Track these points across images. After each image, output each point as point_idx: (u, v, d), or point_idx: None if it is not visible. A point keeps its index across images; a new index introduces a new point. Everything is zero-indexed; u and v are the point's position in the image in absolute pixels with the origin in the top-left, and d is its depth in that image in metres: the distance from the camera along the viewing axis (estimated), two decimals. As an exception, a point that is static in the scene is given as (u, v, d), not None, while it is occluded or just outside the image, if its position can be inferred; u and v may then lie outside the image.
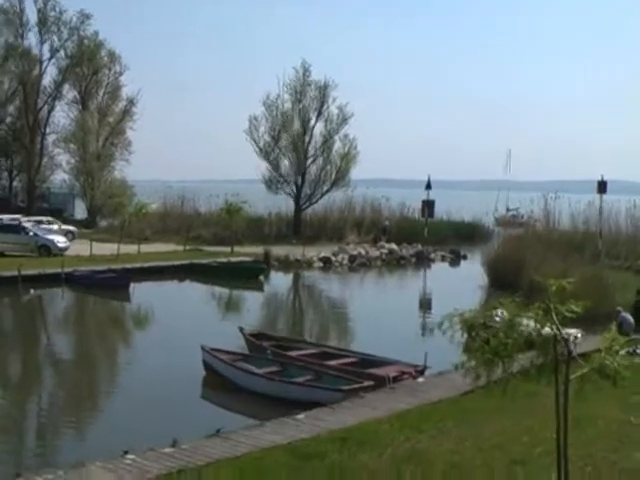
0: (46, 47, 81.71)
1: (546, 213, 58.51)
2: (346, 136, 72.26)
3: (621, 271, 44.64)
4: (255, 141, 71.88)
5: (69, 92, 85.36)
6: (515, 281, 35.94)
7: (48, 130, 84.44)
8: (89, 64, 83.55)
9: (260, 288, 48.99)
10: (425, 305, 44.39)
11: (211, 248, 58.34)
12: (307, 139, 71.71)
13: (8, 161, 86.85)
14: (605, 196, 53.65)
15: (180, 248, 58.04)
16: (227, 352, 24.55)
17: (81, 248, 53.61)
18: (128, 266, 47.15)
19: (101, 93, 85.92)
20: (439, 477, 13.61)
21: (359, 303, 44.88)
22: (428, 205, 64.67)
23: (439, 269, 61.47)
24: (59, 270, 43.46)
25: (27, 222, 57.27)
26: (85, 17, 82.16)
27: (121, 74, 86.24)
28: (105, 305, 42.23)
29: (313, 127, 72.11)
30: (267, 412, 19.34)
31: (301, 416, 17.76)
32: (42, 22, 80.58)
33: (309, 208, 72.90)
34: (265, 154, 71.89)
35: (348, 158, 72.06)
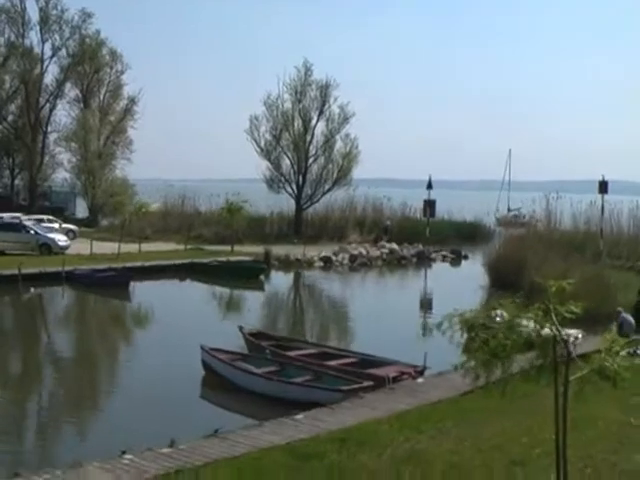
0: (48, 46, 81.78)
1: (547, 213, 58.50)
2: (347, 135, 72.27)
3: (622, 271, 44.59)
4: (256, 140, 71.87)
5: (71, 91, 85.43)
6: (516, 281, 35.87)
7: (50, 129, 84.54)
8: (91, 63, 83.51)
9: (260, 287, 48.93)
10: (426, 305, 44.32)
11: (212, 247, 58.28)
12: (308, 138, 71.63)
13: (10, 159, 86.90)
14: (607, 196, 53.61)
15: (181, 247, 58.02)
16: (226, 352, 24.49)
17: (82, 247, 53.54)
18: (129, 265, 47.09)
19: (102, 92, 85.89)
20: (438, 478, 13.56)
21: (359, 303, 44.78)
22: (429, 205, 64.60)
23: (440, 269, 61.39)
24: (59, 269, 43.41)
25: (28, 221, 57.17)
26: (87, 16, 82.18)
27: (122, 73, 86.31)
28: (105, 304, 42.18)
29: (314, 126, 72.05)
30: (266, 412, 19.28)
31: (300, 416, 17.70)
32: (44, 21, 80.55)
33: (310, 207, 72.79)
34: (266, 153, 71.81)
35: (349, 157, 71.99)
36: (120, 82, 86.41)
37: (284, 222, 71.52)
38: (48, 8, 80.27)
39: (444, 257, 65.57)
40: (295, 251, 57.24)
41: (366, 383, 20.79)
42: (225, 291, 46.50)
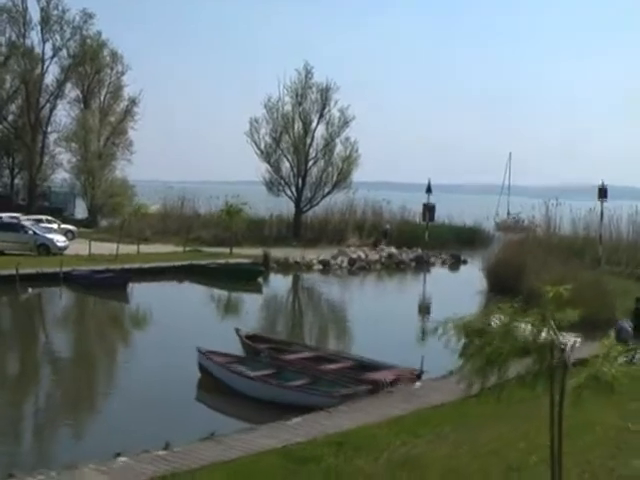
0: (48, 46, 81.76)
1: (547, 218, 58.43)
2: (347, 139, 72.36)
3: (621, 278, 44.51)
4: (256, 143, 71.93)
5: (71, 91, 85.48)
6: (515, 286, 35.77)
7: (50, 129, 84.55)
8: (91, 63, 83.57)
9: (259, 290, 48.85)
10: (424, 310, 44.25)
11: (211, 249, 58.24)
12: (308, 141, 71.69)
13: (9, 159, 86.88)
14: (608, 202, 53.51)
15: (180, 249, 57.88)
16: (222, 354, 24.42)
17: (80, 247, 53.46)
18: (127, 266, 47.03)
19: (103, 92, 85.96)
20: (434, 483, 13.51)
21: (357, 306, 44.70)
22: (429, 209, 64.56)
23: (439, 273, 61.34)
24: (57, 269, 43.36)
25: (26, 221, 57.12)
26: (88, 16, 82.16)
27: (123, 74, 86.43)
28: (103, 305, 42.12)
29: (314, 129, 72.11)
30: (262, 416, 19.22)
31: (296, 420, 17.64)
32: (45, 21, 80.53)
33: (310, 210, 72.77)
34: (266, 156, 71.83)
35: (349, 161, 72.03)
36: (120, 83, 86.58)
37: (283, 225, 71.52)
38: (49, 8, 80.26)
39: (443, 261, 65.54)
40: (294, 254, 57.20)
41: (363, 387, 20.75)
42: (223, 293, 46.44)
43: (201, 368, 24.29)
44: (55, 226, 61.56)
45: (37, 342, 33.12)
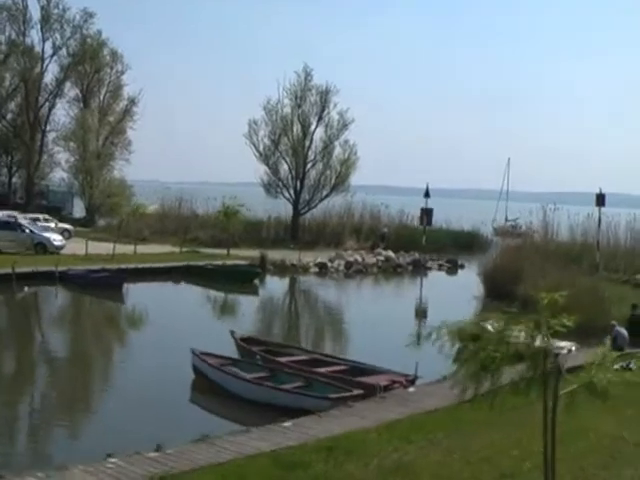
0: (48, 45, 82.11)
1: (545, 224, 58.29)
2: (346, 142, 72.38)
3: (618, 284, 44.42)
4: (254, 145, 71.96)
5: (70, 90, 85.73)
6: (512, 292, 35.70)
7: (48, 128, 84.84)
8: (91, 63, 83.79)
9: (255, 292, 48.72)
10: (420, 314, 44.14)
11: (208, 250, 58.19)
12: (307, 144, 71.70)
13: (8, 157, 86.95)
14: (605, 209, 53.43)
15: (177, 249, 57.79)
16: (216, 356, 24.33)
17: (77, 247, 53.31)
18: (123, 266, 46.93)
19: (102, 92, 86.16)
20: (425, 490, 13.41)
21: (353, 310, 44.59)
22: (426, 213, 64.43)
23: (436, 278, 61.24)
24: (53, 268, 43.25)
25: (23, 219, 57.05)
26: (88, 16, 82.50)
27: (123, 73, 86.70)
28: (98, 305, 42.05)
29: (313, 132, 72.14)
30: (255, 418, 19.12)
31: (288, 423, 17.51)
32: (45, 19, 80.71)
33: (308, 213, 72.73)
34: (264, 158, 71.83)
35: (348, 164, 72.03)
36: (120, 83, 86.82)
37: (281, 227, 71.45)
38: (49, 7, 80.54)
39: (440, 266, 65.43)
40: (291, 256, 57.12)
41: (356, 391, 20.61)
42: (219, 295, 46.35)
43: (195, 369, 24.18)
44: (52, 225, 61.50)
45: (31, 341, 32.95)
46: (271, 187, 72.79)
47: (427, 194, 63.43)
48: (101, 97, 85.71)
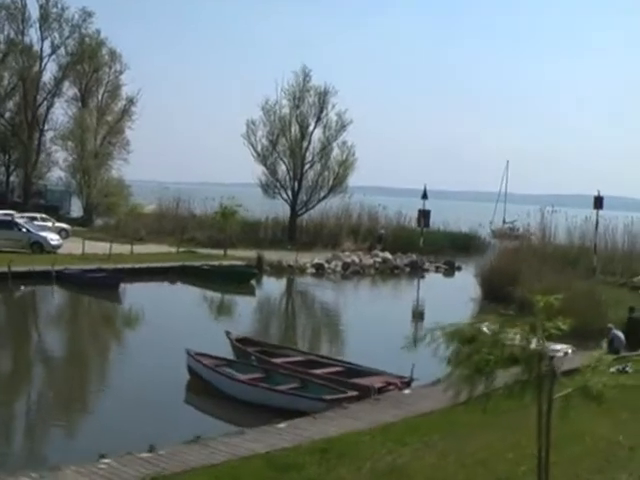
0: (47, 44, 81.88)
1: (542, 227, 58.27)
2: (344, 143, 72.24)
3: (615, 288, 44.47)
4: (252, 145, 71.81)
5: (69, 89, 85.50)
6: (509, 294, 35.69)
7: (46, 127, 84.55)
8: (90, 62, 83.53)
9: (251, 293, 48.62)
10: (417, 315, 44.07)
11: (205, 251, 58.06)
12: (305, 145, 71.59)
13: (6, 156, 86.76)
14: (603, 212, 53.43)
15: (173, 250, 57.70)
16: (211, 357, 24.25)
17: (74, 246, 53.25)
18: (119, 266, 46.84)
19: (101, 91, 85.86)
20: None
21: (350, 311, 44.49)
22: (424, 215, 64.37)
23: (433, 279, 61.18)
24: (50, 268, 43.16)
25: (20, 218, 56.94)
26: (87, 15, 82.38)
27: (121, 73, 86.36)
28: (94, 305, 41.99)
29: (311, 133, 72.08)
30: (249, 419, 19.07)
31: (282, 425, 17.45)
32: (44, 18, 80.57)
33: (305, 214, 72.64)
34: (262, 158, 71.72)
35: (346, 165, 71.94)
36: (119, 82, 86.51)
37: (278, 228, 71.39)
38: (48, 6, 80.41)
39: (437, 268, 65.38)
40: (288, 257, 57.03)
41: (351, 393, 20.53)
42: (215, 295, 46.25)
43: (190, 370, 24.11)
44: (49, 224, 61.41)
45: (27, 341, 32.79)
46: (269, 188, 72.67)
47: (425, 196, 63.40)
48: (99, 97, 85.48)
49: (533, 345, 10.29)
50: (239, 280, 48.77)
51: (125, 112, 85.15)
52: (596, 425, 16.77)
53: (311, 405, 19.53)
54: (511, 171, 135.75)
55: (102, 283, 42.96)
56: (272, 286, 52.86)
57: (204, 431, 16.99)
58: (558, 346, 24.82)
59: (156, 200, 77.33)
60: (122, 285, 43.73)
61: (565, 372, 11.30)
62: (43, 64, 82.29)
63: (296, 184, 71.77)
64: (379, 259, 63.02)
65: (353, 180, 74.29)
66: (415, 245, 64.79)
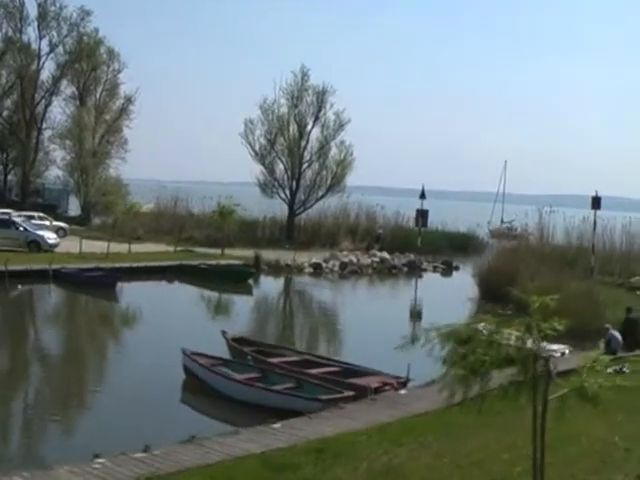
0: (45, 42, 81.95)
1: (540, 227, 58.23)
2: (342, 142, 72.22)
3: (613, 288, 44.40)
4: (250, 144, 71.75)
5: (67, 88, 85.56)
6: (506, 294, 35.52)
7: (44, 125, 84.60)
8: (88, 61, 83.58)
9: (249, 292, 48.58)
10: (415, 315, 44.02)
11: (202, 250, 58.03)
12: (303, 144, 71.55)
13: (3, 155, 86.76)
14: (601, 212, 53.36)
15: (171, 249, 57.63)
16: (207, 356, 24.19)
17: (72, 245, 53.18)
18: (117, 265, 46.79)
19: (99, 90, 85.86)
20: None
21: (347, 311, 44.49)
22: (422, 215, 64.35)
23: (430, 279, 61.11)
24: (47, 266, 43.10)
25: (18, 217, 56.90)
26: (85, 13, 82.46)
27: (119, 72, 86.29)
28: (91, 304, 41.91)
29: (309, 132, 71.99)
30: (245, 419, 19.01)
31: (278, 425, 17.38)
32: (42, 17, 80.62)
33: (303, 213, 72.60)
34: (260, 157, 71.69)
35: (344, 164, 71.90)
36: (117, 81, 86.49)
37: (276, 227, 71.36)
38: (47, 4, 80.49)
39: (435, 267, 65.30)
40: (286, 256, 56.98)
41: (347, 393, 20.46)
42: (213, 294, 46.21)
43: (186, 370, 24.05)
44: (47, 223, 61.36)
45: (24, 340, 32.73)
46: (267, 187, 72.62)
47: (423, 195, 63.33)
48: (97, 95, 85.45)
49: (529, 345, 10.25)
50: (237, 279, 48.74)
51: (123, 111, 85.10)
52: (592, 426, 16.74)
53: (307, 405, 19.46)
54: (510, 171, 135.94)
55: (99, 282, 42.91)
56: (270, 285, 52.81)
57: (199, 431, 16.92)
58: (555, 346, 24.77)
59: (154, 199, 77.26)
60: (119, 284, 43.70)
61: (562, 373, 11.26)
62: (41, 62, 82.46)
63: (294, 183, 71.73)
64: (377, 259, 62.98)
65: (353, 180, 74.53)
66: (413, 245, 64.78)
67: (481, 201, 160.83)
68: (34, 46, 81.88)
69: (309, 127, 71.86)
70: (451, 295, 47.23)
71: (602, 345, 29.14)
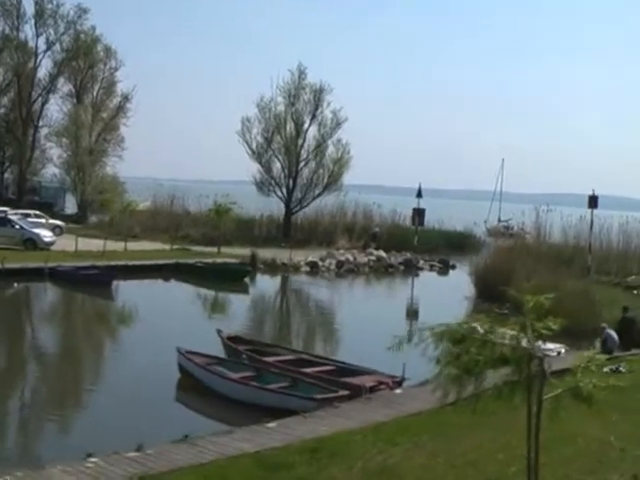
0: (42, 40, 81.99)
1: (537, 225, 58.15)
2: (339, 141, 72.18)
3: (610, 287, 44.36)
4: (247, 142, 71.73)
5: (64, 86, 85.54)
6: (503, 293, 35.47)
7: (41, 123, 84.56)
8: (85, 58, 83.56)
9: (245, 291, 48.53)
10: (412, 314, 43.97)
11: (198, 248, 57.92)
12: (300, 142, 71.51)
13: (0, 153, 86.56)
14: (598, 211, 53.30)
15: (167, 247, 57.60)
16: (202, 355, 24.12)
17: (68, 243, 53.05)
18: (113, 263, 46.65)
19: (96, 88, 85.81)
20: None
21: (344, 310, 44.39)
22: (418, 213, 64.29)
23: (427, 278, 61.08)
24: (43, 265, 43.00)
25: (14, 215, 56.80)
26: (82, 11, 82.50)
27: (116, 70, 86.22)
28: (86, 302, 41.80)
29: (306, 130, 71.93)
30: (239, 418, 18.97)
31: (272, 424, 17.32)
32: (39, 14, 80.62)
33: (300, 211, 72.55)
34: (257, 156, 71.64)
35: (341, 163, 71.87)
36: (114, 79, 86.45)
37: (273, 225, 71.35)
38: (43, 2, 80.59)
39: (432, 266, 65.26)
40: (282, 255, 56.90)
41: (342, 392, 20.41)
42: (209, 293, 46.10)
43: (181, 368, 23.99)
44: (43, 221, 61.29)
45: (19, 338, 32.64)
46: (263, 185, 72.60)
47: (419, 194, 63.25)
48: (94, 93, 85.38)
49: (524, 345, 10.20)
50: (233, 278, 48.67)
51: (120, 109, 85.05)
52: (587, 426, 16.66)
53: (302, 404, 19.40)
54: (509, 170, 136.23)
55: (95, 280, 42.78)
56: (266, 284, 52.72)
57: (194, 430, 16.89)
58: (551, 346, 24.75)
59: (150, 197, 77.25)
60: (115, 282, 43.61)
61: (557, 372, 11.20)
62: (38, 60, 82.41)
63: (291, 182, 71.69)
64: (373, 257, 62.92)
65: (348, 178, 74.46)
66: (409, 243, 64.70)
67: (479, 200, 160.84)
68: (31, 44, 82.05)
69: (306, 125, 71.87)
70: (448, 294, 47.20)
71: (598, 344, 29.12)
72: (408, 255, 64.38)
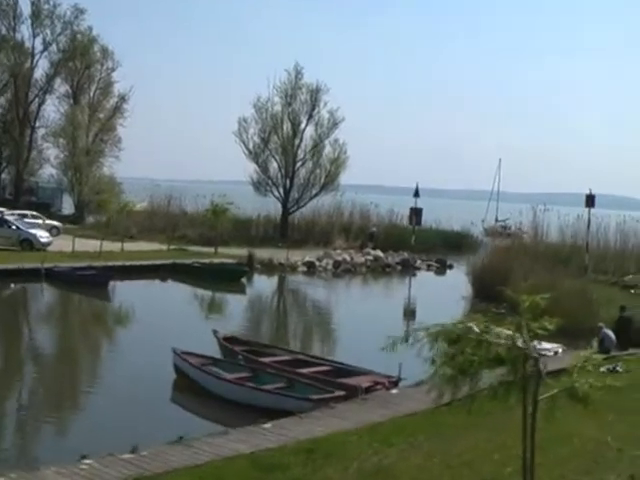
0: (39, 40, 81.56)
1: (534, 225, 58.15)
2: (336, 141, 72.14)
3: (607, 286, 44.35)
4: (244, 143, 71.69)
5: (60, 86, 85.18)
6: (500, 293, 35.42)
7: (38, 124, 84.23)
8: (81, 59, 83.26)
9: (242, 291, 48.47)
10: (409, 314, 43.93)
11: (195, 248, 57.87)
12: (297, 142, 71.49)
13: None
14: (595, 210, 53.29)
15: (164, 247, 57.52)
16: (198, 356, 24.07)
17: (65, 244, 52.94)
18: (109, 264, 46.58)
19: (93, 88, 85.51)
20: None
21: (341, 310, 44.37)
22: (416, 213, 64.16)
23: (424, 278, 61.05)
24: (39, 265, 42.92)
25: (10, 215, 56.71)
26: (79, 12, 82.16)
27: (113, 70, 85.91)
28: (83, 303, 41.72)
29: (303, 130, 71.96)
30: (235, 419, 18.91)
31: (268, 425, 17.27)
32: (35, 15, 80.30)
33: (297, 211, 72.51)
34: (254, 156, 71.60)
35: (338, 163, 71.83)
36: (110, 79, 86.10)
37: (270, 225, 71.30)
38: (40, 2, 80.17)
39: (429, 266, 65.25)
40: (279, 255, 56.84)
41: (338, 393, 20.36)
42: (206, 293, 46.03)
43: (176, 369, 23.95)
44: (40, 222, 61.20)
45: (16, 339, 32.54)
46: (260, 185, 72.55)
47: (417, 194, 63.14)
48: (91, 94, 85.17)
49: (519, 345, 10.15)
50: (230, 278, 48.62)
51: (117, 109, 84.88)
52: (583, 426, 16.62)
53: (298, 405, 19.35)
54: (509, 170, 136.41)
55: (91, 281, 42.71)
56: (263, 284, 52.68)
57: (189, 430, 16.84)
58: (548, 345, 24.73)
59: (147, 198, 77.11)
60: (112, 283, 43.51)
61: (554, 372, 11.17)
62: (35, 61, 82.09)
63: (288, 182, 71.67)
64: (371, 257, 62.89)
65: (345, 178, 74.42)
66: (407, 243, 64.60)
67: (478, 200, 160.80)
68: (27, 44, 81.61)
69: (303, 125, 71.88)
70: (445, 294, 47.18)
71: (595, 344, 29.09)
72: (405, 255, 64.36)
